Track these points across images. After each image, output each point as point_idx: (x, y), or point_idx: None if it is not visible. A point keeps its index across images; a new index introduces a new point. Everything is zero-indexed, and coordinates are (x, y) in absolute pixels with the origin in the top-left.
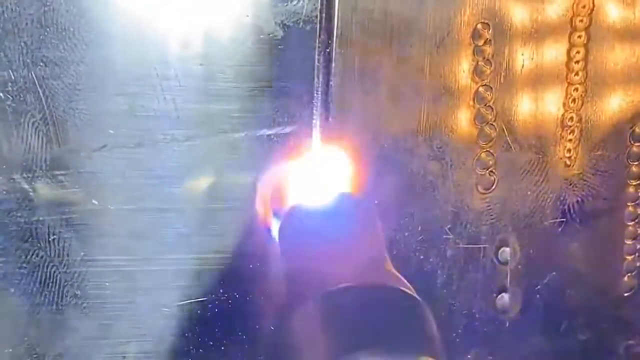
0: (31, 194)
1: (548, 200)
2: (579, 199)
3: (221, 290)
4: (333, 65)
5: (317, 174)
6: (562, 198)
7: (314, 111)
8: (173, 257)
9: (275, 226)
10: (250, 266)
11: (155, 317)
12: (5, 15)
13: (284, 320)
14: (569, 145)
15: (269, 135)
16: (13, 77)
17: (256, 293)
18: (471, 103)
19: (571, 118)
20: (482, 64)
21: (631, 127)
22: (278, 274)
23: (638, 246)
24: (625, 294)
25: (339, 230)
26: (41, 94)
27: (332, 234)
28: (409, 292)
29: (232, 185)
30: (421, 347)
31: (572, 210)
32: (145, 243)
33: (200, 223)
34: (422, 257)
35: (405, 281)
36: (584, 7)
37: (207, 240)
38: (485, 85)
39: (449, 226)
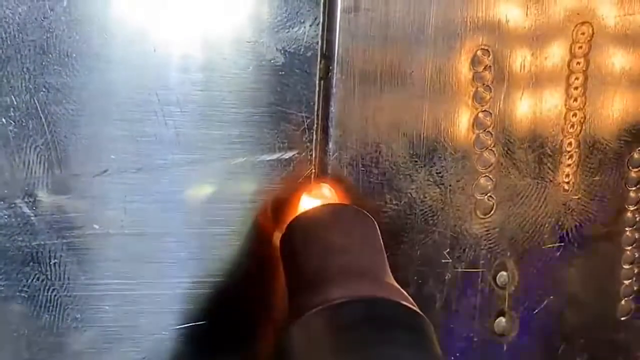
0: (32, 218)
1: (546, 225)
2: (577, 224)
3: (221, 314)
4: (333, 91)
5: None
6: (560, 223)
7: (315, 137)
8: (173, 281)
9: (277, 238)
10: (250, 290)
11: (156, 340)
12: (8, 42)
13: (284, 333)
14: (567, 170)
15: (269, 161)
16: (15, 103)
17: (256, 316)
18: (471, 128)
19: (570, 143)
20: (482, 90)
21: (629, 153)
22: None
23: (635, 270)
24: (622, 318)
25: (340, 242)
26: (43, 120)
27: (331, 243)
28: (412, 306)
29: (233, 210)
30: None
31: (570, 235)
32: (145, 267)
33: (201, 247)
34: (420, 281)
35: (407, 295)
36: (583, 33)
37: (207, 264)
38: (484, 111)
39: (447, 250)
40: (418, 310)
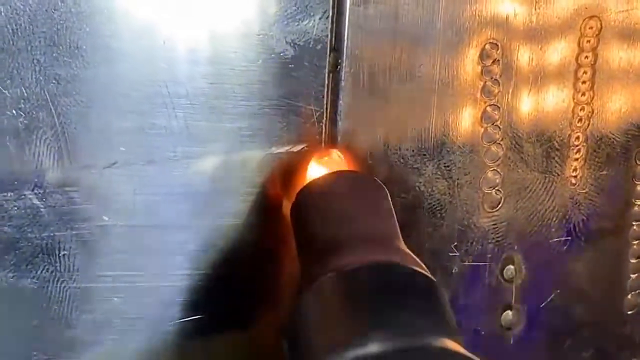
0: (42, 209)
1: (553, 219)
2: (584, 218)
3: (229, 306)
4: (342, 83)
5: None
6: (567, 217)
7: (323, 130)
8: (182, 273)
9: (287, 207)
10: (260, 282)
11: (164, 331)
12: (19, 33)
13: (297, 300)
14: (575, 164)
15: (278, 153)
16: (26, 95)
17: (265, 308)
18: (479, 122)
19: (577, 137)
20: (490, 83)
21: (637, 147)
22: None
23: None
24: (629, 312)
25: (351, 208)
26: (53, 111)
27: (343, 210)
28: (424, 271)
29: (242, 202)
30: (437, 327)
31: (577, 229)
32: (154, 259)
33: (210, 240)
34: None
35: (419, 261)
36: (591, 28)
37: (217, 256)
38: (492, 104)
39: (455, 244)
40: (431, 276)
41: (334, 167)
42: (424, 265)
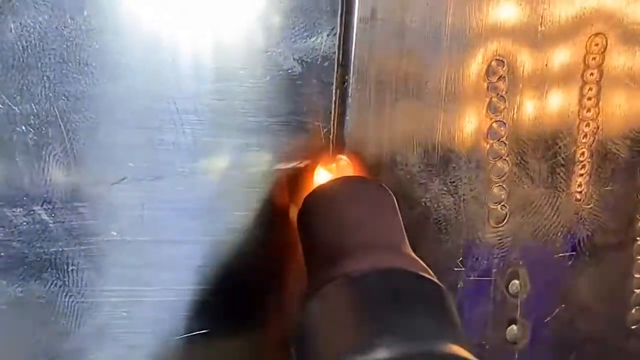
0: (51, 225)
1: (558, 234)
2: (589, 233)
3: (237, 321)
4: (349, 100)
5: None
6: (572, 232)
7: (331, 146)
8: (189, 288)
9: (294, 213)
10: (267, 297)
11: (172, 347)
12: (29, 50)
13: (303, 307)
14: (580, 180)
15: (285, 169)
16: (35, 111)
17: (273, 323)
18: (485, 138)
19: (582, 153)
20: (496, 100)
21: None
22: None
23: None
24: (633, 327)
25: (357, 214)
26: (62, 127)
27: (350, 216)
28: (431, 277)
29: (249, 218)
30: (444, 333)
31: (582, 244)
32: (162, 274)
33: (217, 255)
34: None
35: (426, 266)
36: (597, 45)
37: (224, 271)
38: (498, 121)
39: (460, 259)
40: (438, 282)
41: (341, 173)
42: (430, 271)
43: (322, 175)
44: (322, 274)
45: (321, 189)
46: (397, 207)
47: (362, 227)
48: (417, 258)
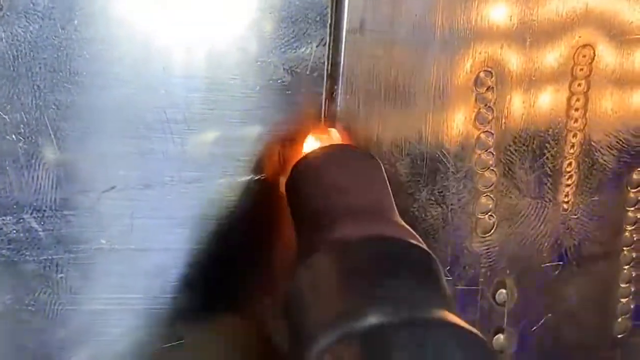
0: (40, 233)
1: (545, 244)
2: (576, 243)
3: (227, 330)
4: (338, 110)
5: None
6: (559, 242)
7: None
8: (179, 297)
9: (283, 181)
10: (259, 304)
11: (160, 354)
12: (19, 60)
13: (293, 275)
14: (567, 190)
15: (275, 179)
16: (25, 120)
17: (266, 329)
18: (472, 148)
19: (570, 164)
20: (484, 110)
21: (628, 174)
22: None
23: (632, 289)
24: (619, 336)
25: (347, 181)
26: (52, 136)
27: (338, 183)
28: (420, 244)
29: (238, 226)
30: (434, 299)
31: (568, 254)
32: (151, 282)
33: (206, 263)
34: None
35: (415, 233)
36: (584, 56)
37: (213, 280)
38: (486, 131)
39: (448, 268)
40: (427, 249)
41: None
42: (419, 238)
43: (310, 144)
44: (311, 241)
45: (310, 156)
46: (386, 177)
47: (352, 194)
48: (406, 225)
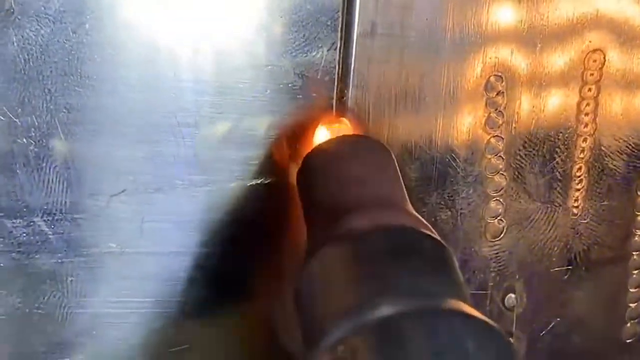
0: (50, 236)
1: (555, 248)
2: (585, 248)
3: (237, 335)
4: (348, 114)
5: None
6: (568, 246)
7: None
8: (189, 300)
9: (294, 171)
10: (269, 308)
11: (171, 358)
12: (30, 63)
13: (304, 267)
14: (576, 195)
15: (285, 182)
16: (36, 123)
17: (273, 335)
18: (482, 153)
19: (579, 168)
20: (494, 115)
21: (638, 179)
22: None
23: None
24: (628, 341)
25: (358, 172)
26: (63, 140)
27: (350, 173)
28: (434, 234)
29: (249, 230)
30: (447, 289)
31: (578, 259)
32: (161, 286)
33: (216, 267)
34: None
35: (428, 224)
36: (594, 61)
37: (223, 283)
38: (496, 135)
39: None
40: (440, 239)
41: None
42: (431, 228)
43: (322, 135)
44: (322, 232)
45: (321, 147)
46: (398, 166)
47: (363, 185)
48: (418, 215)
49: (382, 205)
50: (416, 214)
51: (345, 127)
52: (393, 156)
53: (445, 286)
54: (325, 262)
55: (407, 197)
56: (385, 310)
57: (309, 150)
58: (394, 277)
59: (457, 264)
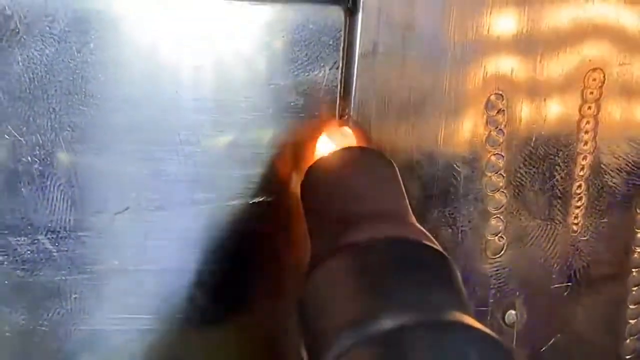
0: (55, 253)
1: (555, 265)
2: (585, 265)
3: (240, 349)
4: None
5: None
6: (568, 263)
7: None
8: (191, 317)
9: (298, 183)
10: (270, 325)
11: None
12: (36, 82)
13: (307, 278)
14: (576, 212)
15: (286, 201)
16: (41, 142)
17: (274, 351)
18: (483, 171)
19: (579, 186)
20: (495, 133)
21: (637, 196)
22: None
23: None
24: (628, 357)
25: (361, 183)
26: (67, 158)
27: (354, 186)
28: (436, 246)
29: (250, 247)
30: (450, 301)
31: (578, 275)
32: (163, 303)
33: (219, 284)
34: None
35: (430, 235)
36: (594, 80)
37: (225, 301)
38: (497, 153)
39: None
40: (442, 251)
41: (343, 143)
42: (433, 239)
43: (324, 147)
44: (326, 244)
45: (324, 160)
46: (400, 178)
47: (366, 197)
48: (421, 227)
49: (385, 217)
50: (419, 225)
51: (348, 138)
52: (396, 168)
53: (448, 298)
54: (328, 274)
55: (409, 208)
56: (388, 323)
57: (313, 162)
58: (397, 289)
59: (459, 276)
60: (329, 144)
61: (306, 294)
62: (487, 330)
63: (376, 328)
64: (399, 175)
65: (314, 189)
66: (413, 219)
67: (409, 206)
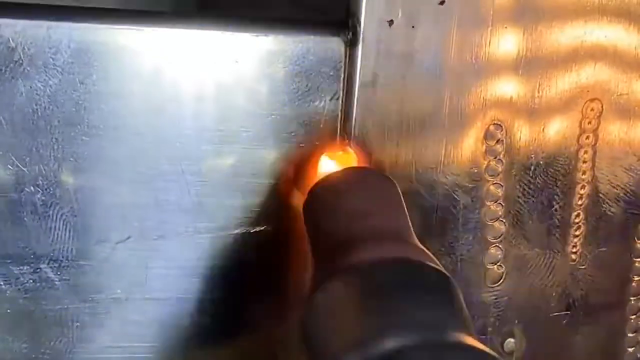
0: (57, 282)
1: (553, 294)
2: (584, 293)
3: None
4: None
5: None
6: (567, 292)
7: None
8: (194, 345)
9: (300, 202)
10: (275, 354)
11: None
12: (39, 113)
13: (310, 299)
14: (575, 241)
15: (287, 230)
16: (44, 172)
17: None
18: (482, 200)
19: (578, 215)
20: (494, 163)
21: (636, 225)
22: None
23: (639, 338)
24: None
25: (364, 205)
26: (70, 188)
27: (356, 207)
28: (439, 267)
29: (252, 276)
30: (453, 322)
31: (576, 304)
32: (166, 332)
33: (221, 313)
34: None
35: (433, 256)
36: (592, 110)
37: (228, 330)
38: (496, 183)
39: None
40: (445, 271)
41: (345, 163)
42: (436, 260)
43: (327, 166)
44: (329, 265)
45: (326, 180)
46: (402, 198)
47: (369, 218)
48: (424, 248)
49: (387, 237)
50: (421, 245)
51: (350, 159)
52: (398, 188)
53: (450, 319)
54: (331, 295)
55: (411, 227)
56: (390, 343)
57: (316, 182)
58: (400, 310)
59: (461, 296)
60: (331, 165)
61: (309, 314)
62: (489, 351)
63: (379, 349)
64: (401, 194)
65: (316, 209)
66: (414, 238)
67: (410, 225)
